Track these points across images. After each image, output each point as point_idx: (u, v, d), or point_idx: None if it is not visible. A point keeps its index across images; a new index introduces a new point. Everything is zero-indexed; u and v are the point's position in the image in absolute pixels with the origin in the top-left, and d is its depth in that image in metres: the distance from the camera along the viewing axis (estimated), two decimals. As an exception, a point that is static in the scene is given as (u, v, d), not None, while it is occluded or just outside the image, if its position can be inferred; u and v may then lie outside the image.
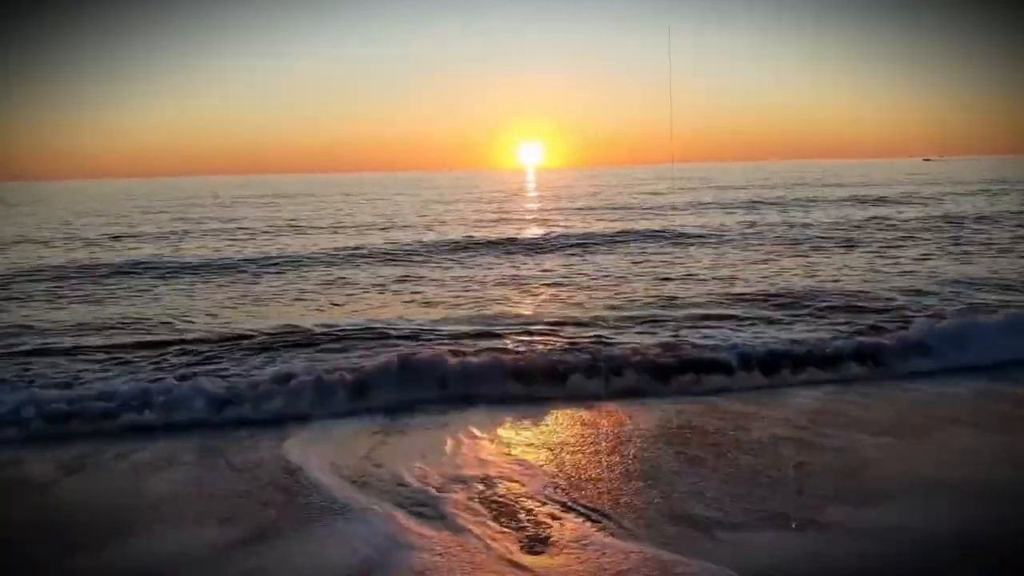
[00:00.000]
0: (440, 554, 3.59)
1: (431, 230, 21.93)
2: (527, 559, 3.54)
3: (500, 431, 5.37)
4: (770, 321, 8.83)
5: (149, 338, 8.66)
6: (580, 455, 4.87)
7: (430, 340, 8.17)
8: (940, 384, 6.20)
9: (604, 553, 3.58)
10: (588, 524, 3.88)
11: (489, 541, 3.71)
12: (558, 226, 22.10)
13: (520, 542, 3.71)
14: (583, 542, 3.70)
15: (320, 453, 4.96)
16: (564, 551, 3.62)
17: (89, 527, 4.07)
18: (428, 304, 10.65)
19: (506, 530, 3.83)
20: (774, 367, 6.53)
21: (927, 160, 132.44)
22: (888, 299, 9.73)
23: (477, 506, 4.11)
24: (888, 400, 5.91)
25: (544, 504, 4.12)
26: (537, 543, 3.69)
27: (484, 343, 7.93)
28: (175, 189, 75.80)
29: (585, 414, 5.73)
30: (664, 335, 8.19)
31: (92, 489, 4.62)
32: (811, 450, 4.87)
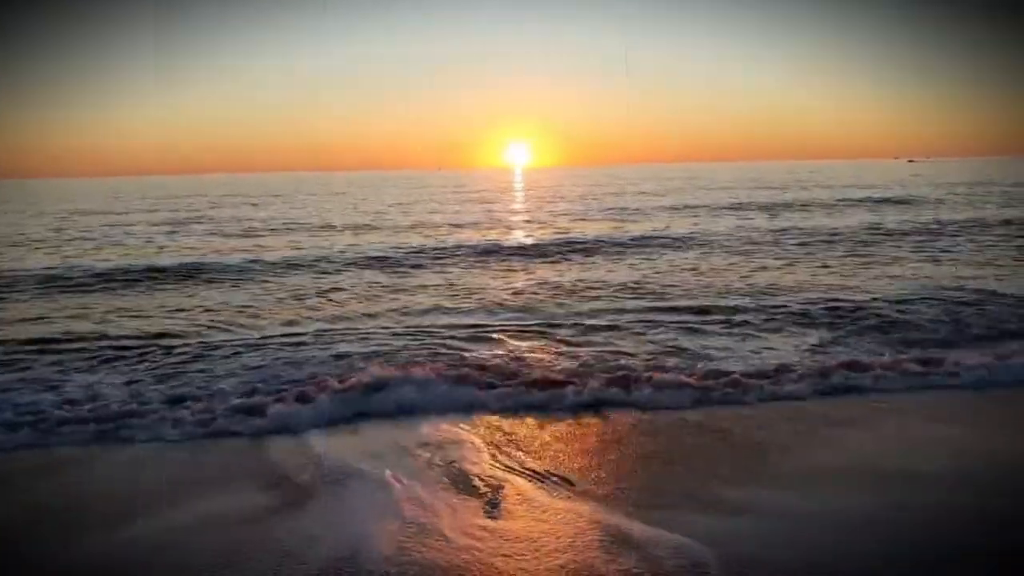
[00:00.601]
0: (422, 516, 4.12)
1: (418, 231, 21.94)
2: (490, 522, 4.07)
3: (465, 430, 5.64)
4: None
5: (142, 332, 8.92)
6: (538, 448, 5.25)
7: (416, 342, 8.39)
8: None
9: (561, 517, 4.08)
10: (546, 494, 4.38)
11: (458, 507, 4.25)
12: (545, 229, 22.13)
13: (482, 508, 4.24)
14: (539, 506, 4.22)
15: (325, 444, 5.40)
16: (524, 515, 4.13)
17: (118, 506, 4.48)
18: (417, 304, 10.83)
19: (471, 499, 4.38)
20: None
21: (911, 162, 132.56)
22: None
23: (451, 482, 4.61)
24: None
25: (505, 480, 4.63)
26: (497, 509, 4.23)
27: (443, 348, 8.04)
28: (163, 188, 75.24)
29: (547, 419, 5.90)
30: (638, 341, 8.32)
31: (107, 479, 4.97)
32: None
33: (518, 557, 3.72)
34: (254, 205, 37.83)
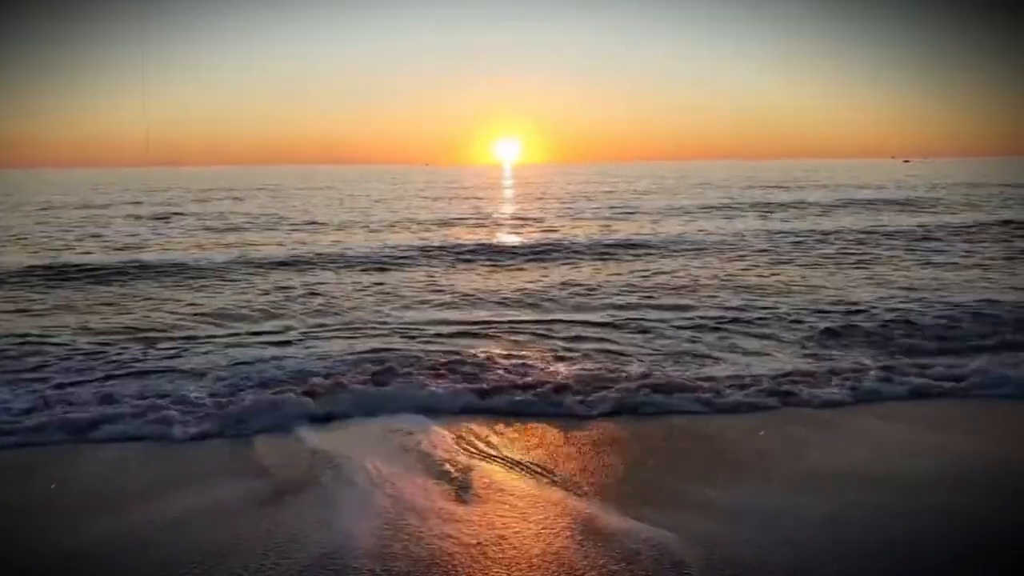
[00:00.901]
0: (404, 510, 4.18)
1: (405, 228, 21.81)
2: (471, 515, 4.14)
3: (450, 430, 5.60)
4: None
5: (123, 328, 8.94)
6: (523, 446, 5.33)
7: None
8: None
9: (542, 510, 4.14)
10: (530, 488, 4.43)
11: (439, 500, 4.35)
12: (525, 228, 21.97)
13: (463, 501, 4.34)
14: (521, 499, 4.30)
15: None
16: (505, 508, 4.22)
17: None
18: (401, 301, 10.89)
19: (453, 493, 4.47)
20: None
21: (906, 162, 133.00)
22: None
23: (433, 478, 4.67)
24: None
25: (488, 474, 4.70)
26: (477, 500, 4.33)
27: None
28: (144, 180, 74.77)
29: (536, 420, 5.86)
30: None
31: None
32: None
33: (496, 547, 3.79)
34: (238, 199, 37.52)
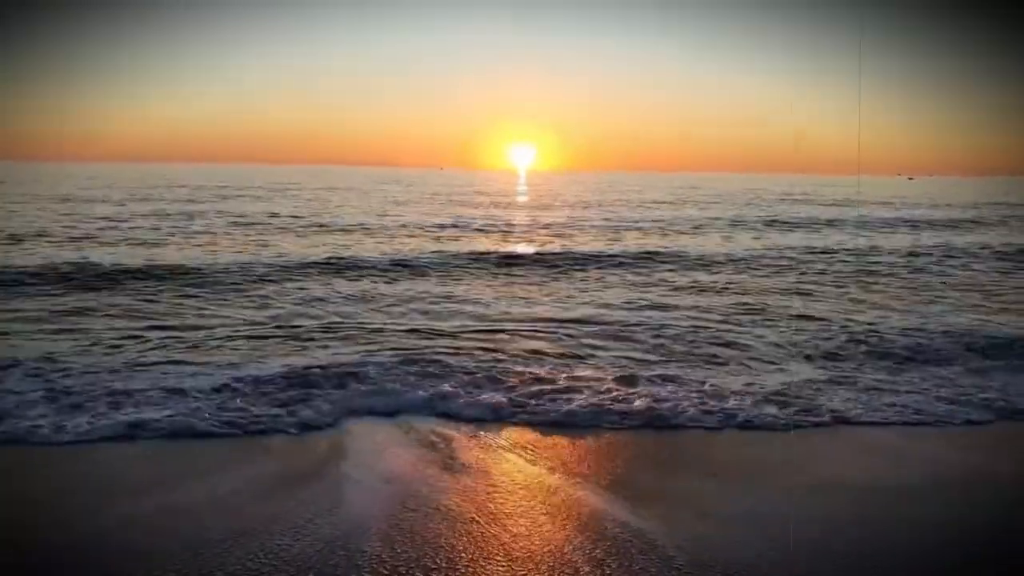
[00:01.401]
0: (408, 498, 4.38)
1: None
2: (463, 496, 4.31)
3: (451, 428, 5.81)
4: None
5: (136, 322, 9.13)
6: (529, 445, 5.57)
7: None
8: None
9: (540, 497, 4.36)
10: (527, 476, 4.67)
11: (437, 484, 4.56)
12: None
13: (457, 484, 4.53)
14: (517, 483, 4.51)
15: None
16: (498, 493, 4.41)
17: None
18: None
19: (452, 477, 4.67)
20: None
21: (911, 179, 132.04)
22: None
23: (437, 467, 4.92)
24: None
25: (488, 463, 4.93)
26: (471, 484, 4.47)
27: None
28: (161, 176, 75.18)
29: (542, 425, 5.98)
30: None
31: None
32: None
33: (494, 532, 4.07)
34: (258, 199, 37.65)
